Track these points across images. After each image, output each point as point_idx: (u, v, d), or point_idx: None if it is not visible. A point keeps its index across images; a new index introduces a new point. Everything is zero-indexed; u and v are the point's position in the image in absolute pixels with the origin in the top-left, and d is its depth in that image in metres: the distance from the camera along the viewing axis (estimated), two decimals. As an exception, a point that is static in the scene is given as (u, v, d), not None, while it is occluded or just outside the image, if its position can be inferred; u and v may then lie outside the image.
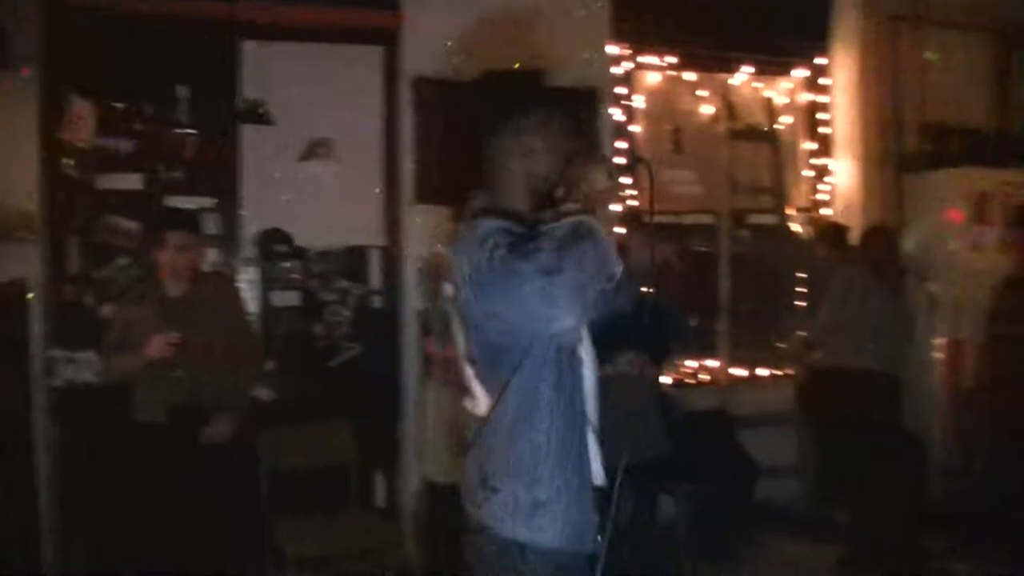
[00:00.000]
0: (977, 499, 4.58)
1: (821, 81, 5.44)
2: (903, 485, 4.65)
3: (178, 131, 4.12)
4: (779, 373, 5.31)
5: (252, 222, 4.25)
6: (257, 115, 4.15)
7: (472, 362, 1.89)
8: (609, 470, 1.96)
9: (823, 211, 5.42)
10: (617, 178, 1.89)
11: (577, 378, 1.83)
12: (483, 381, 1.87)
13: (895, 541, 4.23)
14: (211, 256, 4.12)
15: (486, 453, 1.83)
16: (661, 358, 3.88)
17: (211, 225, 4.16)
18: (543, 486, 1.76)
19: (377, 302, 4.49)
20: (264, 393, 4.20)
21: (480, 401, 1.86)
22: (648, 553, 3.91)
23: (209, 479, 3.39)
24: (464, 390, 1.94)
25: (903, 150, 5.50)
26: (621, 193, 4.81)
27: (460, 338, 1.92)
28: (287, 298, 4.34)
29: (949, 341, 4.98)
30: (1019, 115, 5.71)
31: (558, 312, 1.65)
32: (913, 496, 4.47)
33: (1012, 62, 5.76)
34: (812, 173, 5.48)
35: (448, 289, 1.96)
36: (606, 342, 1.98)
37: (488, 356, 1.85)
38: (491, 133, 1.92)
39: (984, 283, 4.65)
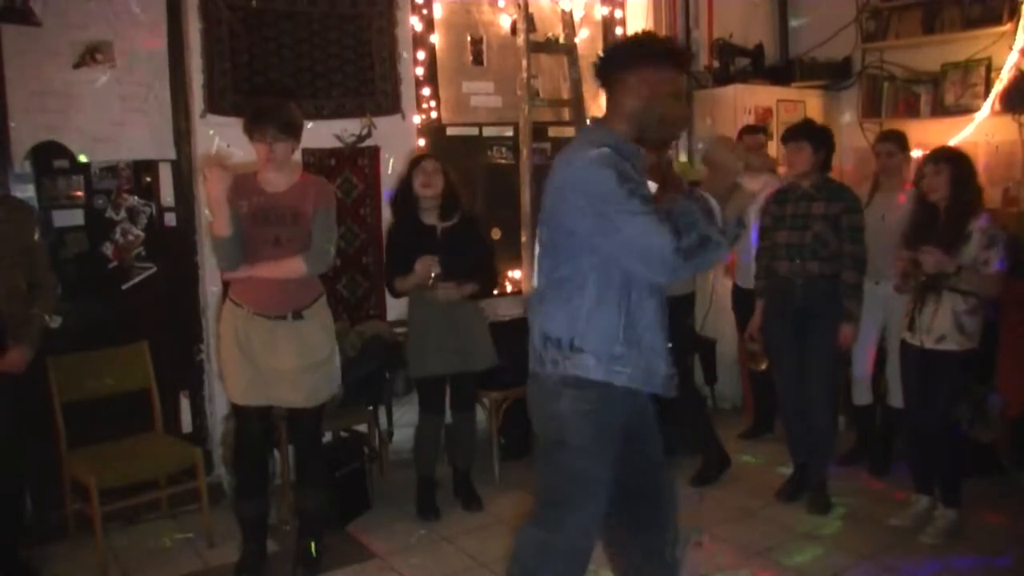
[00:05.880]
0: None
1: (617, -4, 5.56)
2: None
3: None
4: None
5: (23, 135, 3.89)
6: (19, 14, 3.76)
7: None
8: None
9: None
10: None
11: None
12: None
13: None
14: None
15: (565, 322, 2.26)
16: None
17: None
18: (620, 344, 2.24)
19: (170, 220, 4.29)
20: (53, 320, 3.95)
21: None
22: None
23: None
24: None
25: (694, 66, 5.78)
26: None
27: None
28: (71, 218, 4.07)
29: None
30: (797, 35, 6.09)
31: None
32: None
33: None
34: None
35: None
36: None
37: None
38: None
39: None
